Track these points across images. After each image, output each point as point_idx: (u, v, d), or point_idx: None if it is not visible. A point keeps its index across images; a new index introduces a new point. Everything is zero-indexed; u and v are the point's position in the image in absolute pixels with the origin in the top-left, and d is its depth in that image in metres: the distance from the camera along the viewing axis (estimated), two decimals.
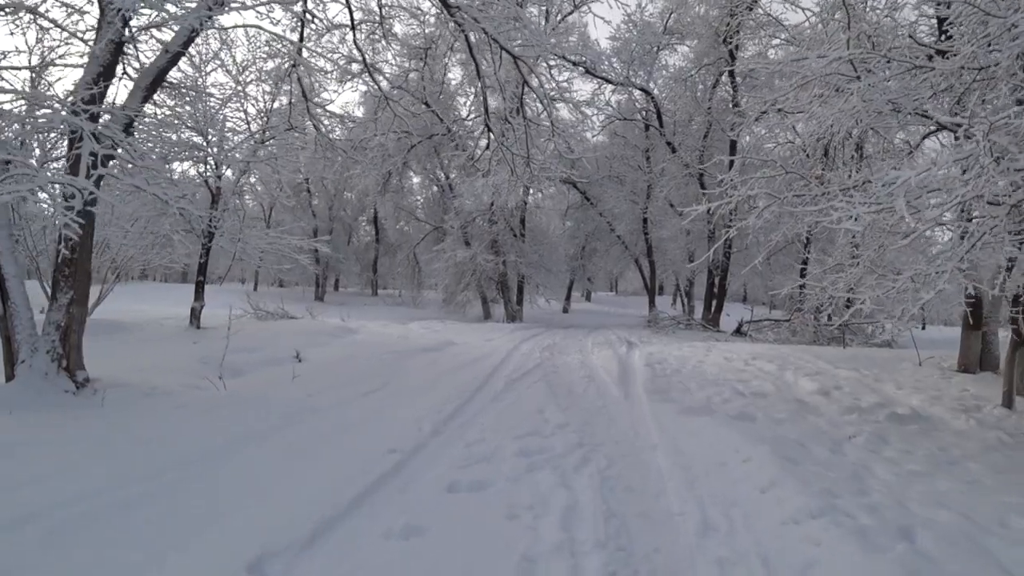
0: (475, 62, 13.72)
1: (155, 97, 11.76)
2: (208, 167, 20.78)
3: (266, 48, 20.18)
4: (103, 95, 10.42)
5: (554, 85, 24.50)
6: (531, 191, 33.37)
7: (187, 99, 20.08)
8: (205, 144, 20.44)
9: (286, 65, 18.17)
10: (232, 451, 6.78)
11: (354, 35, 14.95)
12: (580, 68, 27.19)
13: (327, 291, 50.86)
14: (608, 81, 28.86)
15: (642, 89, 29.55)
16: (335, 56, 23.07)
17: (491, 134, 16.02)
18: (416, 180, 42.03)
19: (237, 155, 21.23)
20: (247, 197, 50.51)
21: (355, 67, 32.30)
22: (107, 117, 10.14)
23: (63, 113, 9.33)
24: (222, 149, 20.88)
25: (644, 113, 31.81)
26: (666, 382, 11.72)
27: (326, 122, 20.81)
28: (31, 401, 9.02)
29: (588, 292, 58.44)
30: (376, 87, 18.53)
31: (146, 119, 13.28)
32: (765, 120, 13.53)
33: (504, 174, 27.95)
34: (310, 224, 45.36)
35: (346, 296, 49.86)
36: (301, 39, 14.96)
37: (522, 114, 14.46)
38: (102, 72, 10.03)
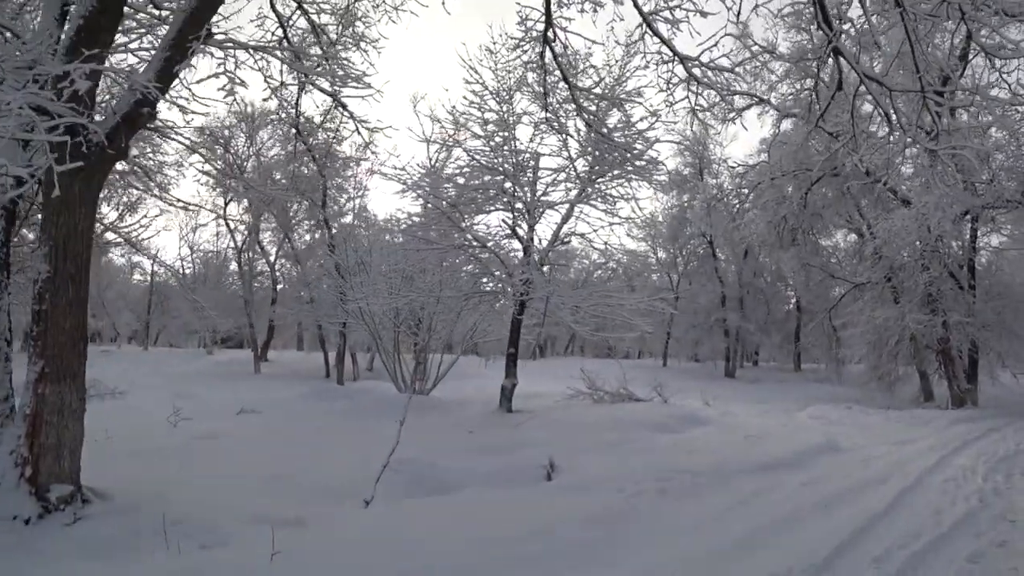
0: None
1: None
2: (517, 214, 15.74)
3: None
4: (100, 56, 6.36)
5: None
6: (979, 225, 23.70)
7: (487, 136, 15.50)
8: (512, 188, 15.50)
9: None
10: None
11: None
12: None
13: (742, 366, 43.59)
14: None
15: None
16: None
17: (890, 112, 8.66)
18: (840, 237, 33.79)
19: (553, 198, 15.89)
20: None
21: (739, 101, 26.33)
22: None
23: None
24: (533, 192, 15.75)
25: None
26: None
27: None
28: None
29: None
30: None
31: None
32: None
33: (935, 195, 19.62)
34: (716, 291, 38.94)
35: (762, 372, 42.22)
36: None
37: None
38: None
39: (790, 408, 20.60)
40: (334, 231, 24.97)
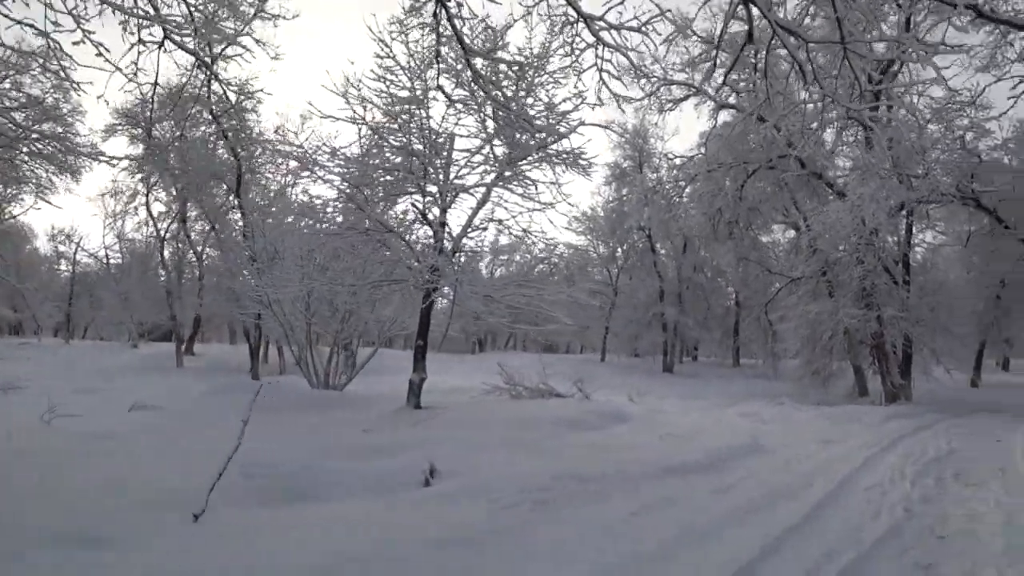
0: None
1: None
2: (428, 199, 14.62)
3: None
4: None
5: None
6: (914, 219, 23.23)
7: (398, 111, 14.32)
8: (424, 170, 14.34)
9: None
10: None
11: None
12: (966, 11, 16.72)
13: (682, 362, 43.07)
14: (1017, 26, 17.75)
15: None
16: None
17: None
18: (780, 233, 33.15)
19: (469, 181, 14.75)
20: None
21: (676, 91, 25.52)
22: None
23: None
24: (447, 175, 14.62)
25: None
26: None
27: None
28: None
29: (1006, 359, 43.57)
30: None
31: None
32: None
33: (870, 186, 19.00)
34: (655, 286, 38.19)
35: (701, 367, 41.62)
36: None
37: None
38: None
39: (724, 404, 19.92)
40: (251, 217, 23.55)
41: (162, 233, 34.87)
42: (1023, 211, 20.85)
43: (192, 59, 9.26)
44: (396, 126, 14.16)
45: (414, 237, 15.57)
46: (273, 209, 24.02)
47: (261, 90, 18.25)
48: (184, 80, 9.35)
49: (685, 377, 35.00)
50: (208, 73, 9.08)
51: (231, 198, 27.76)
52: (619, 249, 42.37)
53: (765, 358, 32.73)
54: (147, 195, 33.40)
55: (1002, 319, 28.81)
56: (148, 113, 25.96)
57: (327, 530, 5.54)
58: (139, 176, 30.99)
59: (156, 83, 9.20)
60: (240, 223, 26.01)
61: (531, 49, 13.79)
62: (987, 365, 36.02)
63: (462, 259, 14.53)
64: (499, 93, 10.33)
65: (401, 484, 7.38)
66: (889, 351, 21.64)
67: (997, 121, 20.73)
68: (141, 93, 8.77)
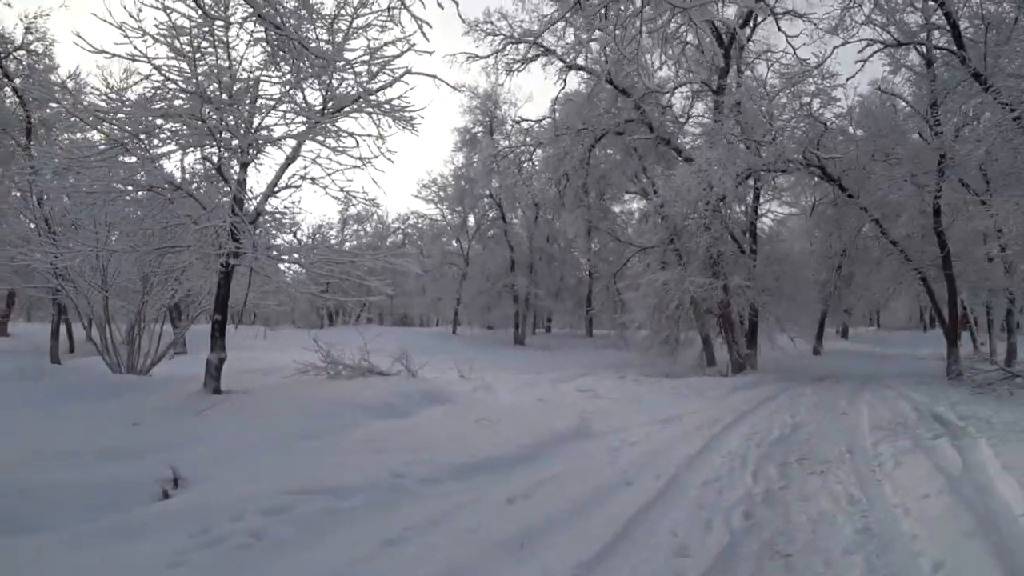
0: None
1: None
2: (226, 151, 12.43)
3: None
4: None
5: None
6: (762, 184, 22.82)
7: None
8: (219, 117, 12.11)
9: None
10: None
11: None
12: None
13: (535, 333, 42.29)
14: None
15: None
16: None
17: None
18: (635, 204, 32.41)
19: (277, 132, 12.58)
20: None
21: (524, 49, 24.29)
22: None
23: None
24: (249, 125, 12.44)
25: (927, 36, 18.08)
26: None
27: None
28: None
29: (845, 327, 45.11)
30: None
31: None
32: None
33: (718, 151, 18.24)
34: (505, 256, 36.97)
35: (554, 338, 40.77)
36: None
37: None
38: None
39: (569, 376, 18.71)
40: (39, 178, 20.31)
41: None
42: (866, 181, 20.47)
43: None
44: (184, 65, 11.89)
45: (220, 197, 13.43)
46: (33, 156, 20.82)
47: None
48: None
49: (536, 349, 34.05)
50: None
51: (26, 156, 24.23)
52: (470, 218, 40.85)
53: (614, 328, 32.00)
54: None
55: (843, 289, 29.23)
56: None
57: None
58: None
59: None
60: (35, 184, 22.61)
61: None
62: (828, 333, 36.91)
63: (261, 222, 12.37)
64: (272, 11, 8.34)
65: (136, 499, 5.50)
66: (735, 320, 21.11)
67: (843, 89, 20.22)
68: None
